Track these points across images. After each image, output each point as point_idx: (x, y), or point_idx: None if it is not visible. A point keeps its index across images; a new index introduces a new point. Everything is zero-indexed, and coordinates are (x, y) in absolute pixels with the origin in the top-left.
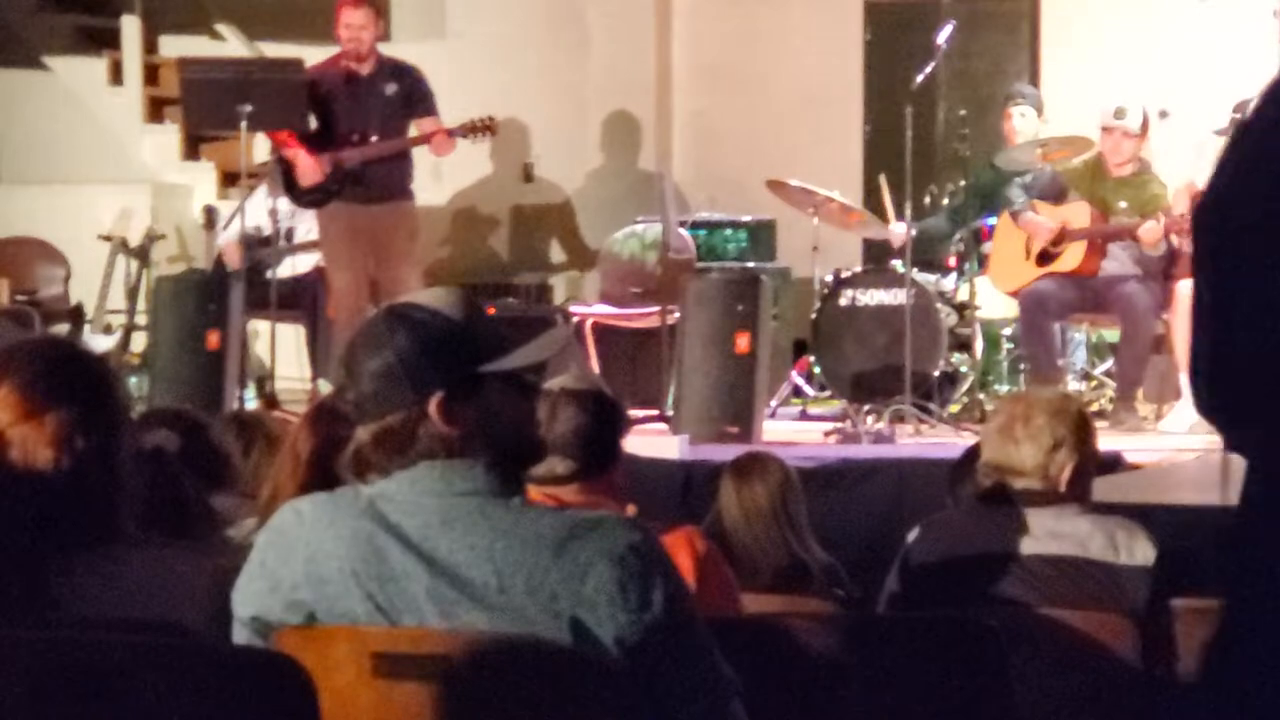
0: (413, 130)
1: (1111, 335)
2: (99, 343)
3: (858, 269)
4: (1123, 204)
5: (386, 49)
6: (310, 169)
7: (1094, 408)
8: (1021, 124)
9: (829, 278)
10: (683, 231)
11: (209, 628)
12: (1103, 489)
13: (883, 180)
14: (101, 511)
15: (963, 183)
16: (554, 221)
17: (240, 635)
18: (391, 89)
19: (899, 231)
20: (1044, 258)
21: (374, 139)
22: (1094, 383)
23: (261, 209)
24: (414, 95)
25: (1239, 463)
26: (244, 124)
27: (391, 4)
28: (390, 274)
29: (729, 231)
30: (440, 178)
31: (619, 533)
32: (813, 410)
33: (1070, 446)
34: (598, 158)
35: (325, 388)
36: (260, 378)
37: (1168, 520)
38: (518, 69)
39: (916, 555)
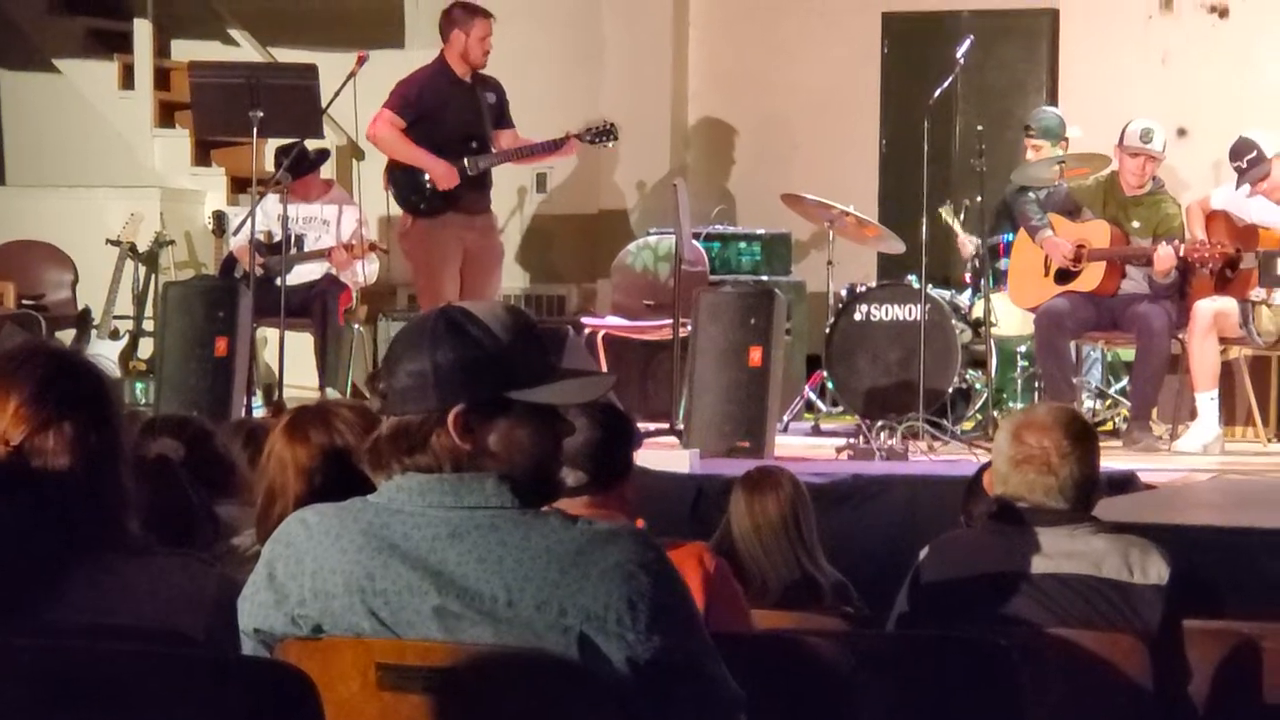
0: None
1: (1127, 354)
2: (106, 348)
3: (872, 284)
4: (1136, 223)
5: (399, 57)
6: (447, 174)
7: (1108, 427)
8: (1036, 156)
9: (843, 292)
10: (696, 244)
11: (210, 636)
12: (1117, 509)
13: (942, 212)
14: (101, 520)
15: (979, 198)
16: (567, 232)
17: (245, 646)
18: (490, 98)
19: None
20: (1063, 276)
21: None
22: (1109, 402)
23: (272, 215)
24: (504, 107)
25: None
26: (255, 129)
27: (405, 12)
28: (480, 292)
29: (743, 244)
30: None
31: (630, 549)
32: (825, 425)
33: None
34: (612, 168)
35: (334, 396)
36: (268, 386)
37: (1181, 541)
38: (533, 77)
39: (927, 574)
